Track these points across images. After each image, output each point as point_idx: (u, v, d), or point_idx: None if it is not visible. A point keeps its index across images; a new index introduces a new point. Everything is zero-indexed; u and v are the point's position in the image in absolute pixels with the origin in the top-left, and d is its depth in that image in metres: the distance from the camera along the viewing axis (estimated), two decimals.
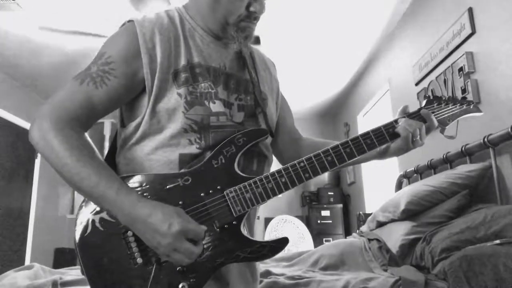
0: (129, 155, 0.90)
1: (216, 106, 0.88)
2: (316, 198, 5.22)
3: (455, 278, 1.30)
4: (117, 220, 0.79)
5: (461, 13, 2.37)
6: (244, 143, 0.87)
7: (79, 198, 5.75)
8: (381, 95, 3.96)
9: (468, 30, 2.30)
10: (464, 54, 2.31)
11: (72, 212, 5.66)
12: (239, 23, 0.91)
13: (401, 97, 3.38)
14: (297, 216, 4.37)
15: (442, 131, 0.97)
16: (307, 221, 4.96)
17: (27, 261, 4.44)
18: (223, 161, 0.85)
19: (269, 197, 0.84)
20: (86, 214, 0.82)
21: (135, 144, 0.89)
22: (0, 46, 3.67)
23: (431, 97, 0.98)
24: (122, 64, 0.84)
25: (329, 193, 5.12)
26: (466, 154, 2.14)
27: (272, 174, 0.85)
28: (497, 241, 1.42)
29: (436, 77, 2.68)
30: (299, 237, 3.83)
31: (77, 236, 0.81)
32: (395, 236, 1.96)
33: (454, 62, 2.44)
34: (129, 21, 0.90)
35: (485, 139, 1.93)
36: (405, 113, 0.96)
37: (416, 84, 3.01)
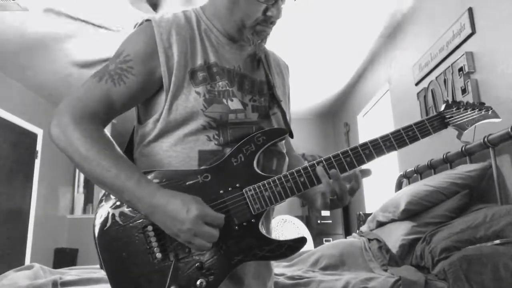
0: (146, 152, 0.91)
1: (234, 104, 0.89)
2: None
3: (455, 278, 1.30)
4: (137, 214, 0.81)
5: (461, 13, 2.37)
6: (264, 142, 0.88)
7: (79, 198, 5.75)
8: (381, 95, 3.96)
9: (468, 30, 2.30)
10: (464, 54, 2.31)
11: (72, 212, 5.66)
12: (255, 27, 0.92)
13: (401, 97, 3.38)
14: (297, 216, 4.37)
15: (459, 137, 0.96)
16: (307, 221, 4.96)
17: (27, 261, 4.44)
18: (243, 159, 0.85)
19: (287, 196, 0.84)
20: (106, 208, 0.83)
21: (153, 141, 0.90)
22: (2, 46, 3.67)
23: (450, 102, 0.97)
24: (140, 63, 0.86)
25: None
26: (466, 154, 2.14)
27: (291, 174, 0.85)
28: (497, 241, 1.42)
29: (436, 77, 2.68)
30: None
31: (97, 230, 0.82)
32: (395, 236, 1.96)
33: (454, 62, 2.44)
34: (147, 20, 0.91)
35: (485, 139, 1.93)
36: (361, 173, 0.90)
37: (416, 84, 3.01)
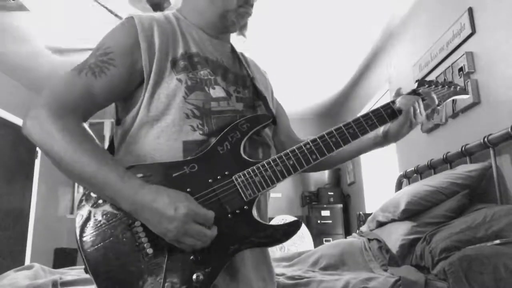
0: (129, 149, 0.87)
1: (216, 92, 0.89)
2: (316, 198, 5.22)
3: (455, 278, 1.30)
4: (122, 211, 0.76)
5: (461, 13, 2.37)
6: (248, 128, 0.87)
7: (79, 198, 5.74)
8: (381, 95, 3.96)
9: (468, 30, 2.30)
10: (464, 54, 2.31)
11: (72, 212, 5.65)
12: (238, 9, 0.95)
13: None
14: (297, 216, 4.37)
15: (429, 118, 1.03)
16: (307, 221, 4.96)
17: (27, 261, 4.44)
18: (229, 147, 0.84)
19: (278, 180, 0.84)
20: (87, 207, 0.78)
21: (134, 136, 0.87)
22: (1, 46, 3.67)
23: (422, 80, 1.03)
24: (121, 54, 0.84)
25: (329, 193, 5.12)
26: (466, 154, 2.14)
27: (280, 157, 0.85)
28: (497, 241, 1.42)
29: (436, 77, 2.68)
30: (299, 237, 3.82)
31: (78, 232, 0.76)
32: (395, 236, 1.96)
33: (454, 62, 2.44)
34: (127, 17, 0.90)
35: (485, 139, 1.93)
36: (400, 95, 1.00)
37: None
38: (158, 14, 0.95)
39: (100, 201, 0.78)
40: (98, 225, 0.77)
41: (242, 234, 0.80)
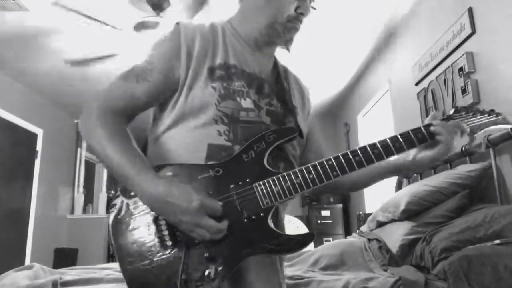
0: (158, 143, 0.95)
1: (246, 103, 0.93)
2: (316, 198, 5.22)
3: (455, 278, 1.30)
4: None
5: (461, 13, 2.37)
6: (274, 139, 0.90)
7: (79, 198, 5.74)
8: (381, 95, 3.96)
9: (468, 30, 2.30)
10: (464, 54, 2.31)
11: (72, 212, 5.65)
12: (286, 23, 0.98)
13: (401, 97, 3.38)
14: (297, 216, 4.37)
15: (470, 143, 0.97)
16: (307, 221, 4.96)
17: (27, 261, 4.44)
18: (253, 156, 0.88)
19: (296, 192, 0.86)
20: (121, 198, 0.87)
21: (165, 132, 0.94)
22: (1, 46, 3.67)
23: (459, 107, 0.97)
24: (163, 62, 0.92)
25: None
26: (466, 154, 2.14)
27: (301, 170, 0.87)
28: (497, 241, 1.42)
29: (436, 77, 2.68)
30: None
31: (111, 219, 0.85)
32: (395, 236, 1.96)
33: (454, 62, 2.44)
34: (176, 23, 0.97)
35: (485, 139, 1.93)
36: (435, 119, 0.93)
37: (416, 84, 3.01)
38: (204, 23, 0.99)
39: (132, 193, 0.86)
40: (129, 214, 0.85)
41: (256, 239, 0.83)
